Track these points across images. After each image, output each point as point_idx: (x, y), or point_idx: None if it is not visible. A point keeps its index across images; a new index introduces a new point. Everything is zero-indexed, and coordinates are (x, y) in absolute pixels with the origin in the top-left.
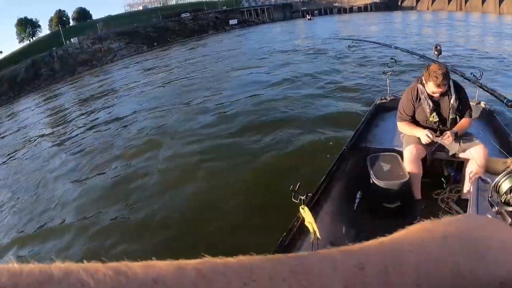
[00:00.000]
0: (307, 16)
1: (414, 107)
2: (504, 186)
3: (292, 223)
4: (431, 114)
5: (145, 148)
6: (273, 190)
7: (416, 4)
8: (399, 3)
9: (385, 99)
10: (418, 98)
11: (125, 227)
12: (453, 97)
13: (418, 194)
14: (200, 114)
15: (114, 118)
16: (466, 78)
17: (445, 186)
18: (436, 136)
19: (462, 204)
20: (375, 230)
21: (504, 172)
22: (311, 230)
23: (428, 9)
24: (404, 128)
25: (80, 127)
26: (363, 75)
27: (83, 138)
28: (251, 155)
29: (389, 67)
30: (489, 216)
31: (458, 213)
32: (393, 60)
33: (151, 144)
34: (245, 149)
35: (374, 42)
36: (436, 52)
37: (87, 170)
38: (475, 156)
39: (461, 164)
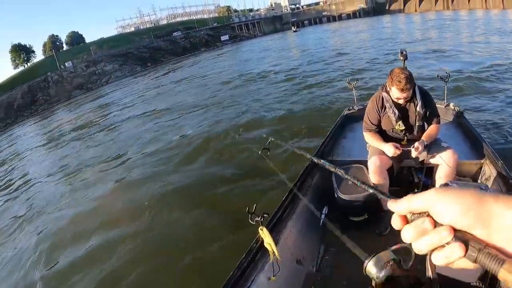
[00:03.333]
0: (293, 28)
1: (379, 116)
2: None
3: (251, 245)
4: (397, 122)
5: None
6: (233, 213)
7: (404, 7)
8: (387, 7)
9: (353, 109)
10: (383, 106)
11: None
12: (419, 103)
13: (385, 205)
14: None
15: (109, 140)
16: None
17: (415, 193)
18: (404, 145)
19: None
20: (343, 245)
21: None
22: (271, 251)
23: (416, 11)
24: (370, 139)
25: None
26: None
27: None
28: (210, 180)
29: (352, 79)
30: None
31: None
32: (355, 79)
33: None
34: (201, 176)
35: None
36: (401, 58)
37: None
38: (444, 160)
39: (431, 170)
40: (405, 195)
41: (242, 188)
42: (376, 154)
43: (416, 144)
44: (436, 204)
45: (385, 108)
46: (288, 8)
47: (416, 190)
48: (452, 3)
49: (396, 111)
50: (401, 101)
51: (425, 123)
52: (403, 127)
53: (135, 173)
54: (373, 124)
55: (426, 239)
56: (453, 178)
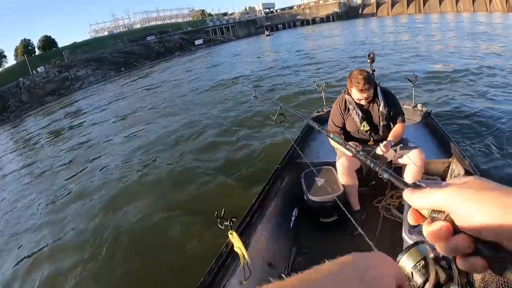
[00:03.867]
0: (266, 32)
1: (343, 118)
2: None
3: (221, 250)
4: (361, 123)
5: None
6: (203, 217)
7: (376, 11)
8: (360, 11)
9: (322, 111)
10: (346, 108)
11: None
12: (382, 103)
13: (356, 205)
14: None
15: (83, 145)
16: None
17: (386, 193)
18: (371, 145)
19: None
20: (315, 245)
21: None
22: (241, 255)
23: (388, 14)
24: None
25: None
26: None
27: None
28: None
29: (320, 80)
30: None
31: (400, 219)
32: (324, 82)
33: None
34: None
35: None
36: (369, 60)
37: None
38: (412, 160)
39: (399, 170)
40: (376, 195)
41: (210, 192)
42: (344, 155)
43: (384, 142)
44: (458, 206)
45: (349, 110)
46: (262, 12)
47: (387, 191)
48: (423, 6)
49: (360, 112)
50: (362, 102)
51: (390, 123)
52: (368, 128)
53: (96, 177)
54: (337, 127)
55: (444, 246)
56: (421, 177)
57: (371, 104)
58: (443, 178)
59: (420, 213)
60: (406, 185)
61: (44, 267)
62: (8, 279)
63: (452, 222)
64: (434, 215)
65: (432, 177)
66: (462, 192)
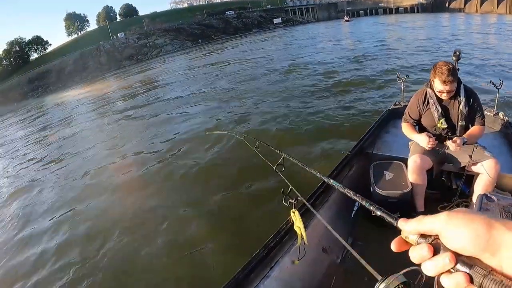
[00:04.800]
0: (345, 17)
1: (420, 111)
2: None
3: (280, 226)
4: (439, 120)
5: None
6: (269, 193)
7: (464, 6)
8: (447, 5)
9: (399, 104)
10: (426, 102)
11: None
12: (463, 102)
13: (421, 206)
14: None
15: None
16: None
17: (452, 200)
18: (440, 138)
19: None
20: (371, 239)
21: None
22: (299, 235)
23: (476, 11)
24: (405, 129)
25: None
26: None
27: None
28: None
29: (402, 73)
30: None
31: None
32: (405, 74)
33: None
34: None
35: None
36: (454, 58)
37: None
38: (486, 170)
39: (471, 178)
40: (441, 200)
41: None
42: (418, 153)
43: (456, 138)
44: (446, 230)
45: (428, 104)
46: None
47: (454, 198)
48: None
49: (439, 108)
50: (444, 96)
51: (469, 125)
52: (445, 126)
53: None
54: (412, 118)
55: (430, 263)
56: (492, 189)
57: (452, 101)
58: None
59: (405, 241)
60: (397, 219)
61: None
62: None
63: (435, 245)
64: (420, 240)
65: (503, 192)
66: (452, 216)
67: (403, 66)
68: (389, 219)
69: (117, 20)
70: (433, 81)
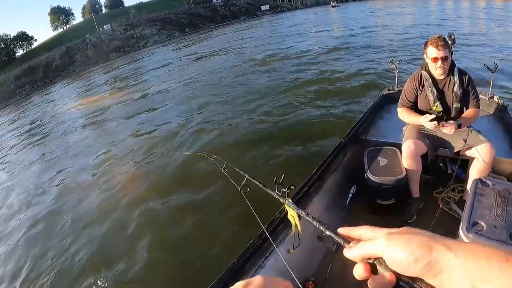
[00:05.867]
0: (332, 2)
1: (416, 93)
2: None
3: (274, 216)
4: (434, 102)
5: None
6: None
7: None
8: None
9: (393, 89)
10: (422, 84)
11: None
12: (457, 84)
13: (416, 192)
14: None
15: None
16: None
17: (448, 185)
18: (437, 123)
19: (464, 205)
20: (367, 225)
21: None
22: (293, 224)
23: None
24: (403, 114)
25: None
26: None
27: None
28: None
29: (395, 58)
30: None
31: (458, 215)
32: (398, 59)
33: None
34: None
35: None
36: (450, 42)
37: None
38: (480, 154)
39: (466, 162)
40: (437, 185)
41: (273, 157)
42: (412, 138)
43: (451, 122)
44: (387, 253)
45: (424, 86)
46: None
47: (449, 183)
48: None
49: (435, 91)
50: (438, 67)
51: (463, 107)
52: (441, 108)
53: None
54: (409, 101)
55: (371, 283)
56: (487, 174)
57: (447, 83)
58: (510, 179)
59: (366, 266)
60: (347, 243)
61: None
62: None
63: (373, 266)
64: (372, 262)
65: (499, 177)
66: (391, 238)
67: (393, 51)
68: (338, 239)
69: (103, 12)
70: (426, 53)
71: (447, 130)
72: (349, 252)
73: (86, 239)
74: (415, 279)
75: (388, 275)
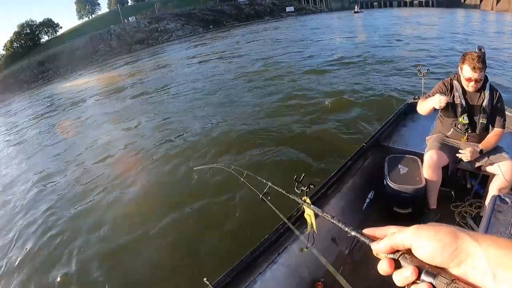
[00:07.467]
0: (355, 7)
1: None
2: None
3: (291, 213)
4: (461, 115)
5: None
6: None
7: (480, 3)
8: (462, 0)
9: (418, 98)
10: (451, 92)
11: None
12: (487, 98)
13: (433, 203)
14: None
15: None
16: None
17: (465, 200)
18: (462, 143)
19: (480, 221)
20: None
21: None
22: (309, 223)
23: (492, 9)
24: (420, 104)
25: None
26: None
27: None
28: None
29: (424, 66)
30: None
31: (473, 230)
32: (426, 68)
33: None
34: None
35: None
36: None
37: None
38: (502, 171)
39: (486, 178)
40: (454, 199)
41: (293, 155)
42: (435, 149)
43: (470, 149)
44: (414, 242)
45: (454, 96)
46: None
47: (467, 197)
48: None
49: (464, 103)
50: (471, 86)
51: (489, 125)
52: (467, 121)
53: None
54: None
55: (395, 276)
56: (507, 192)
57: (477, 96)
58: None
59: (391, 262)
60: (371, 241)
61: None
62: None
63: (402, 259)
64: (389, 256)
65: None
66: (420, 228)
67: (418, 61)
68: (363, 239)
69: (129, 4)
70: (462, 69)
71: (464, 156)
72: (378, 245)
73: (103, 243)
74: (438, 272)
75: (411, 269)
